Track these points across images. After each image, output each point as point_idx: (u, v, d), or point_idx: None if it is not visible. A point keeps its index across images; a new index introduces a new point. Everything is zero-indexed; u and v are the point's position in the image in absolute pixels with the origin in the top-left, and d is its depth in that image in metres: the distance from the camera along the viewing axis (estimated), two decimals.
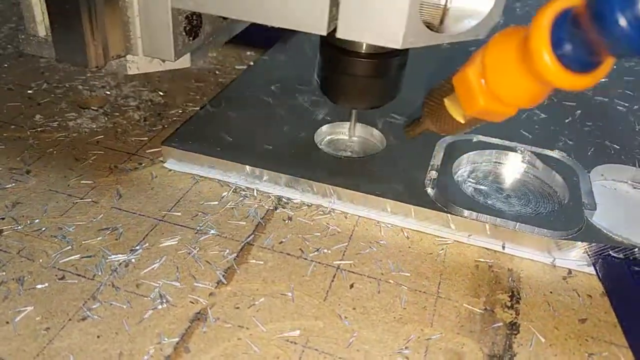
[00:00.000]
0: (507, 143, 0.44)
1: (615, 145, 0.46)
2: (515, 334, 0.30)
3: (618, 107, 0.53)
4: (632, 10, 0.20)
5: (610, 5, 0.20)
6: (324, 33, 0.30)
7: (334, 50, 0.37)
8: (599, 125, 0.49)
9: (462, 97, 0.29)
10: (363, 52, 0.36)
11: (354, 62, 0.37)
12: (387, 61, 0.37)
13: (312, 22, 0.30)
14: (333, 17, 0.30)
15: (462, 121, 0.31)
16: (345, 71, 0.37)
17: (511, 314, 0.31)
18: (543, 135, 0.46)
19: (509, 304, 0.32)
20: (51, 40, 0.35)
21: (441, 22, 0.31)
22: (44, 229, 0.35)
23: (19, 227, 0.35)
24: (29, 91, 0.50)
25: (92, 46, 0.34)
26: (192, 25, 0.37)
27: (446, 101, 0.31)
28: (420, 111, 0.34)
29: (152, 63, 0.39)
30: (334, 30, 0.30)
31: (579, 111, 0.51)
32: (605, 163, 0.44)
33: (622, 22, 0.20)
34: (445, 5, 0.31)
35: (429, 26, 0.30)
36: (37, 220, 0.36)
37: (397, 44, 0.29)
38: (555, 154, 0.44)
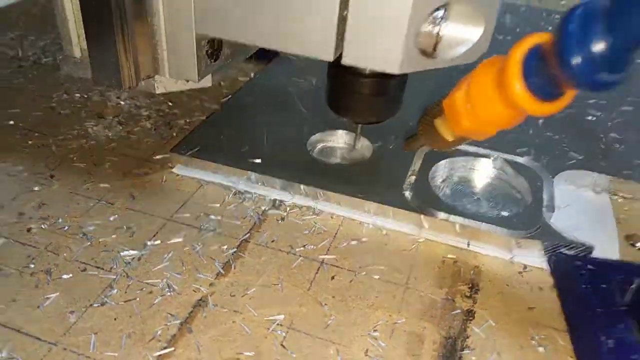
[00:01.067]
0: (480, 150, 0.49)
1: (576, 154, 0.50)
2: (471, 320, 0.35)
3: (587, 118, 0.57)
4: (585, 52, 0.24)
5: (568, 45, 0.24)
6: (331, 59, 0.34)
7: (341, 70, 0.39)
8: (567, 134, 0.54)
9: (450, 119, 0.34)
10: (368, 72, 0.39)
11: (360, 81, 0.40)
12: (388, 81, 0.40)
13: (321, 50, 0.33)
14: (339, 45, 0.33)
15: (451, 139, 0.35)
16: (352, 89, 0.40)
17: (469, 303, 0.36)
18: (514, 143, 0.51)
19: (468, 294, 0.37)
20: (87, 61, 0.38)
21: (434, 49, 0.34)
22: (66, 227, 0.40)
23: (46, 226, 0.40)
24: (52, 103, 0.55)
25: (125, 68, 0.37)
26: (213, 49, 0.39)
27: (437, 121, 0.35)
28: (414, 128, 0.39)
29: (177, 83, 0.42)
30: (340, 56, 0.34)
31: (542, 120, 0.55)
32: (570, 169, 0.49)
33: (576, 60, 0.24)
34: (438, 34, 0.33)
35: (424, 53, 0.34)
36: (60, 220, 0.41)
37: (395, 70, 0.33)
38: (523, 160, 0.48)
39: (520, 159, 0.48)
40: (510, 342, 0.34)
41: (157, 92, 0.41)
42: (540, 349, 0.33)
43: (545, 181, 0.46)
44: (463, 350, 0.33)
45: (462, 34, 0.33)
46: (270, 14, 0.33)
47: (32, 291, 0.35)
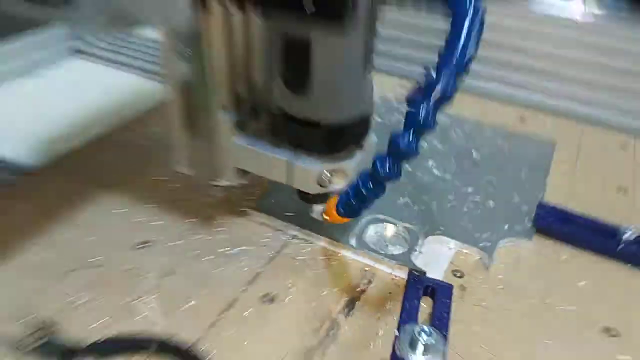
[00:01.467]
0: (392, 219, 0.99)
1: (443, 226, 1.01)
2: (363, 294, 0.86)
3: (470, 204, 1.09)
4: (340, 207, 0.69)
5: (339, 202, 0.69)
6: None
7: None
8: (446, 214, 1.05)
9: (326, 214, 0.70)
10: None
11: None
12: None
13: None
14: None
15: (328, 222, 0.70)
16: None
17: (364, 287, 0.88)
18: (410, 216, 0.94)
19: (366, 284, 0.88)
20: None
21: (328, 184, 0.72)
22: (212, 244, 0.94)
23: (201, 235, 0.94)
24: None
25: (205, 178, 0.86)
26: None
27: (324, 213, 0.70)
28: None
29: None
30: None
31: (434, 202, 1.05)
32: (438, 235, 0.90)
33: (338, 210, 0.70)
34: (329, 179, 0.72)
35: (321, 186, 0.71)
36: (200, 237, 0.95)
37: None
38: (411, 226, 0.96)
39: (410, 226, 0.94)
40: (361, 304, 0.86)
41: (221, 185, 0.79)
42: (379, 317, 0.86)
43: (421, 239, 0.93)
44: (355, 304, 0.85)
45: (338, 180, 0.73)
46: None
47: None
